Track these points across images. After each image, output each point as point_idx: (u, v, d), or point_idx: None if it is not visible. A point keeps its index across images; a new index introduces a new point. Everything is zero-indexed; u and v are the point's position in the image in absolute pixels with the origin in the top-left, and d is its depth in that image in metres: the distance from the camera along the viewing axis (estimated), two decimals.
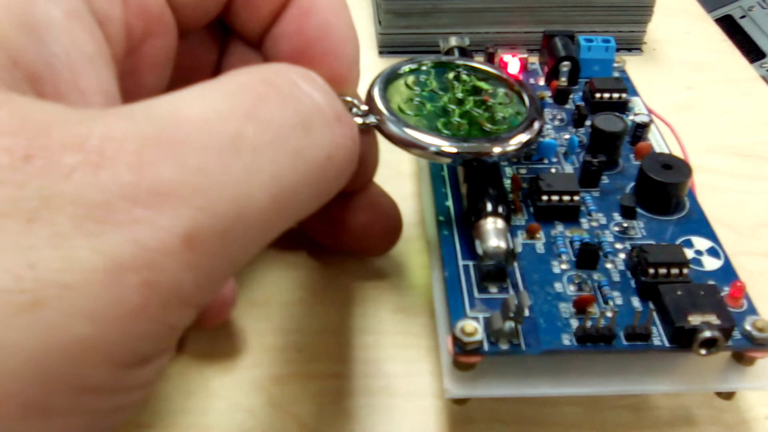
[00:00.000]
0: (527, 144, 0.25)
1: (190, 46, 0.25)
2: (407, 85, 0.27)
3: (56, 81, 0.17)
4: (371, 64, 0.43)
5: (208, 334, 0.27)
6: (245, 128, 0.16)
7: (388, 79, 0.26)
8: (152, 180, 0.15)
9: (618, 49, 0.35)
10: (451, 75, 0.28)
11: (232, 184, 0.16)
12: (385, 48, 0.44)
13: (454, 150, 0.24)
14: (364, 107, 0.25)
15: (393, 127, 0.24)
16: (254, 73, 0.18)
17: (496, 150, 0.24)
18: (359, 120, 0.24)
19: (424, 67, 0.28)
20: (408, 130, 0.24)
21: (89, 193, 0.14)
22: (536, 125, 0.25)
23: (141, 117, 0.16)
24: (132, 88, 0.21)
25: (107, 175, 0.14)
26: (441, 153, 0.24)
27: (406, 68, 0.27)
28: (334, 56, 0.23)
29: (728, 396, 0.24)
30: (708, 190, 0.34)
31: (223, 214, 0.15)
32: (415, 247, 0.30)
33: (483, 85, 0.28)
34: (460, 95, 0.27)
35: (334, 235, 0.28)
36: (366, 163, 0.25)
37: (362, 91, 0.25)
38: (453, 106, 0.26)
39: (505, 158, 0.25)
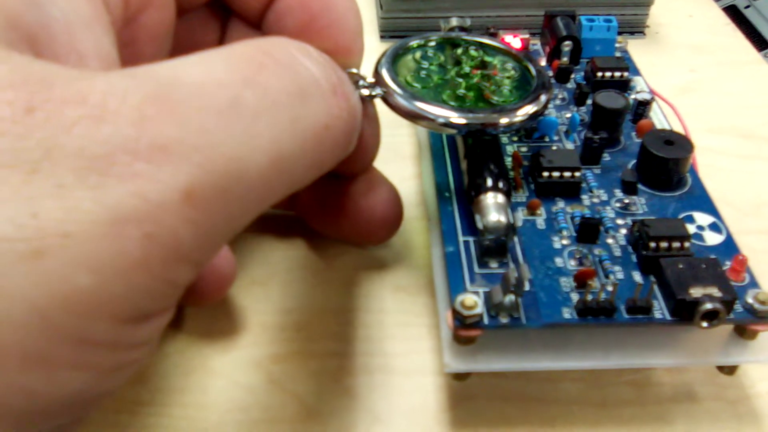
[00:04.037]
0: (534, 115, 0.25)
1: (191, 26, 0.25)
2: (415, 60, 0.27)
3: (54, 44, 0.17)
4: (373, 49, 0.42)
5: (207, 313, 0.27)
6: (244, 93, 0.17)
7: (396, 53, 0.27)
8: (153, 135, 0.15)
9: (620, 33, 0.34)
10: (459, 50, 0.28)
11: (231, 144, 0.16)
12: (387, 32, 0.44)
13: (462, 121, 0.24)
14: (371, 79, 0.25)
15: (401, 99, 0.24)
16: (253, 44, 0.18)
17: (503, 121, 0.24)
18: (366, 92, 0.24)
19: (431, 43, 0.28)
20: (416, 102, 0.24)
21: (91, 146, 0.14)
22: (543, 97, 0.25)
23: (143, 76, 0.16)
24: (130, 59, 0.21)
25: (109, 129, 0.14)
26: (448, 124, 0.24)
27: (413, 43, 0.28)
28: (337, 28, 0.23)
29: (730, 371, 0.23)
30: (711, 170, 0.33)
31: (223, 172, 0.15)
32: (415, 227, 0.30)
33: (490, 59, 0.28)
34: (467, 69, 0.27)
35: (334, 222, 0.28)
36: (366, 144, 0.25)
37: (368, 70, 0.25)
38: (460, 79, 0.26)
39: (512, 129, 0.25)
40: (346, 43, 0.23)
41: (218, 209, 0.16)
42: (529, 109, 0.25)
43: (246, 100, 0.17)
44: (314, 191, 0.27)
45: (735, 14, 1.10)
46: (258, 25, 0.25)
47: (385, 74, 0.25)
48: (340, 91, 0.20)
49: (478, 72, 0.27)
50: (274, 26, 0.24)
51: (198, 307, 0.27)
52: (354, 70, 0.24)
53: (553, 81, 0.33)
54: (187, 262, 0.16)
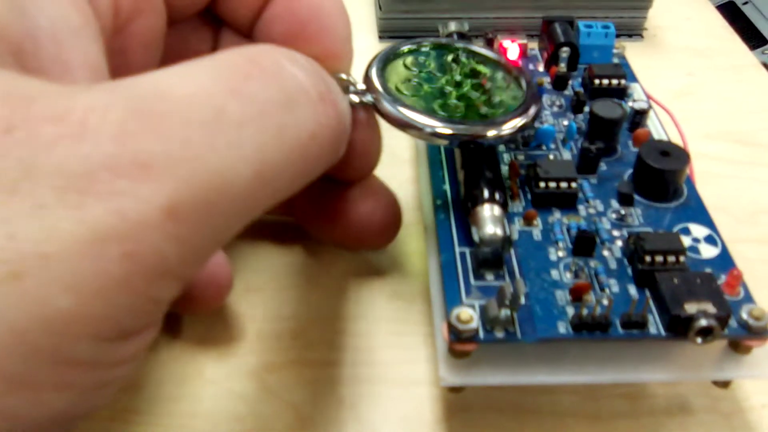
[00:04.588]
0: (522, 128, 0.25)
1: (183, 35, 0.25)
2: (405, 66, 0.27)
3: (40, 54, 0.17)
4: (371, 49, 0.42)
5: (203, 321, 0.27)
6: (228, 103, 0.16)
7: (387, 58, 0.26)
8: (135, 151, 0.14)
9: (619, 35, 0.34)
10: (449, 57, 0.28)
11: (215, 157, 0.16)
12: (385, 33, 0.44)
13: (449, 131, 0.24)
14: (361, 86, 0.24)
15: (389, 107, 0.24)
16: (239, 53, 0.18)
17: (491, 133, 0.24)
18: (355, 98, 0.24)
19: (423, 49, 0.28)
20: (404, 110, 0.24)
21: (71, 164, 0.14)
22: (532, 110, 0.25)
23: (125, 90, 0.15)
24: (120, 67, 0.21)
25: (89, 146, 0.14)
26: (436, 134, 0.24)
27: (404, 48, 0.27)
28: (326, 34, 0.23)
29: (725, 384, 0.23)
30: (707, 176, 0.33)
31: (207, 186, 0.15)
32: (412, 233, 0.30)
33: (481, 68, 0.27)
34: (458, 78, 0.27)
35: (332, 228, 0.28)
36: (367, 152, 0.25)
37: (361, 73, 0.25)
38: (450, 88, 0.26)
39: (500, 141, 0.25)
40: (336, 49, 0.23)
41: (202, 223, 0.16)
42: (518, 122, 0.25)
43: (231, 110, 0.16)
44: (312, 197, 0.27)
45: (733, 11, 1.10)
46: (249, 33, 0.25)
47: (375, 80, 0.25)
48: (328, 99, 0.20)
49: (469, 81, 0.26)
50: (265, 34, 0.24)
51: (194, 315, 0.27)
52: (344, 76, 0.24)
53: (550, 87, 0.33)
54: (171, 278, 0.16)
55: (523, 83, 0.27)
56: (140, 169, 0.14)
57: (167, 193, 0.15)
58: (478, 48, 0.28)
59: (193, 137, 0.15)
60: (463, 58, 0.28)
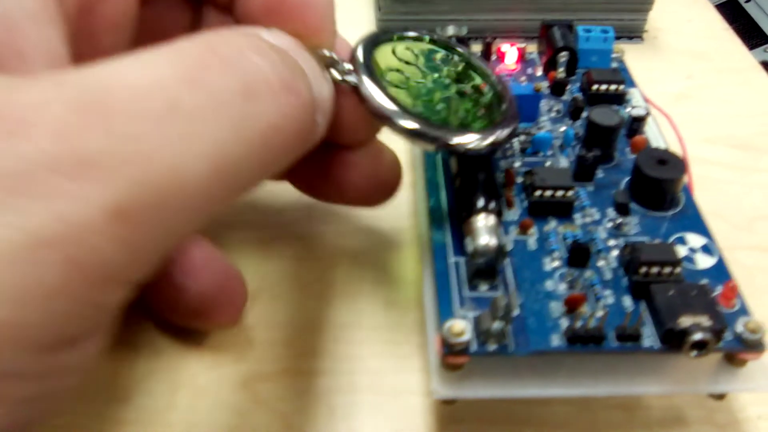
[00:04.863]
0: (492, 147, 0.24)
1: (159, 13, 0.24)
2: (395, 54, 0.25)
3: None
4: None
5: (193, 330, 0.26)
6: (183, 95, 0.16)
7: (378, 41, 0.25)
8: (78, 149, 0.14)
9: (619, 38, 0.34)
10: (440, 55, 0.27)
11: (167, 152, 0.15)
12: None
13: (424, 132, 0.23)
14: (348, 65, 0.23)
15: (370, 93, 0.23)
16: (199, 40, 0.17)
17: (457, 141, 0.23)
18: (337, 76, 0.23)
19: (417, 41, 0.27)
20: (382, 101, 0.23)
21: (7, 164, 0.13)
22: (505, 132, 0.24)
23: (71, 82, 0.15)
24: (87, 51, 0.20)
25: (27, 144, 0.13)
26: (406, 131, 0.23)
27: (397, 35, 0.26)
28: (306, 9, 0.22)
29: (720, 397, 0.23)
30: (705, 181, 0.33)
31: (158, 184, 0.15)
32: (407, 239, 0.30)
33: (469, 74, 0.27)
34: (446, 80, 0.26)
35: (328, 189, 0.27)
36: (358, 120, 0.24)
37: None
38: (434, 86, 0.25)
39: (473, 153, 0.24)
40: (316, 24, 0.22)
41: (153, 224, 0.15)
42: (489, 139, 0.24)
43: (186, 102, 0.16)
44: (313, 162, 0.25)
45: (735, 9, 1.10)
46: (230, 8, 0.24)
47: (361, 64, 0.23)
48: (293, 89, 0.19)
49: (455, 86, 0.26)
50: (245, 9, 0.23)
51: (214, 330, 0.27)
52: (326, 52, 0.22)
53: (548, 92, 0.32)
54: (117, 282, 0.15)
55: (506, 101, 0.26)
56: (83, 167, 0.14)
57: (112, 193, 0.14)
58: (470, 54, 0.28)
59: (143, 132, 0.15)
60: (455, 59, 0.27)
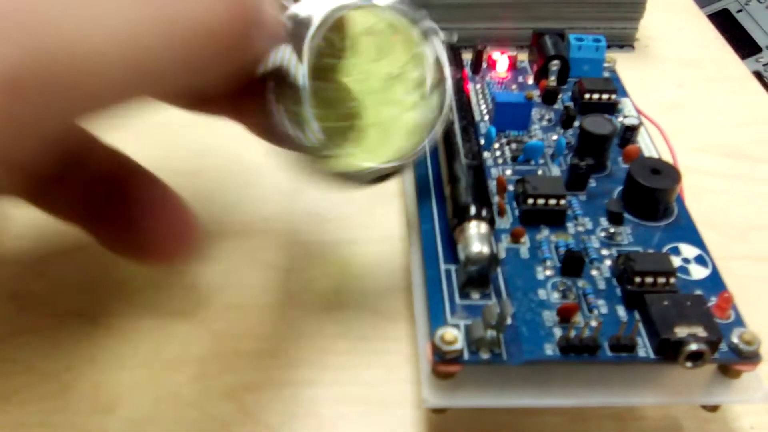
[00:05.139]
0: (378, 177, 0.23)
1: None
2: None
3: None
4: None
5: (180, 338, 0.26)
6: None
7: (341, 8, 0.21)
8: None
9: (610, 46, 0.34)
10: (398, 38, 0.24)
11: (70, 25, 0.14)
12: None
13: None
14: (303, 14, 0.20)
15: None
16: None
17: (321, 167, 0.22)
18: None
19: (381, 14, 0.23)
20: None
21: None
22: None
23: None
24: None
25: None
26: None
27: (365, 3, 0.22)
28: None
29: (713, 408, 0.23)
30: (697, 191, 0.33)
31: (54, 57, 0.13)
32: (397, 248, 0.30)
33: (415, 76, 0.24)
34: (393, 69, 0.24)
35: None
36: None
37: None
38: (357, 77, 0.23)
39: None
40: None
41: (43, 101, 0.13)
42: (374, 172, 0.23)
43: None
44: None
45: (727, 19, 1.10)
46: None
47: (306, 44, 0.20)
48: None
49: (386, 73, 0.23)
50: None
51: (155, 267, 0.24)
52: None
53: (540, 101, 0.32)
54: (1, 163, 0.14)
55: (434, 129, 0.24)
56: None
57: (4, 60, 0.13)
58: (439, 52, 0.25)
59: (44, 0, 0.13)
60: (413, 50, 0.24)
